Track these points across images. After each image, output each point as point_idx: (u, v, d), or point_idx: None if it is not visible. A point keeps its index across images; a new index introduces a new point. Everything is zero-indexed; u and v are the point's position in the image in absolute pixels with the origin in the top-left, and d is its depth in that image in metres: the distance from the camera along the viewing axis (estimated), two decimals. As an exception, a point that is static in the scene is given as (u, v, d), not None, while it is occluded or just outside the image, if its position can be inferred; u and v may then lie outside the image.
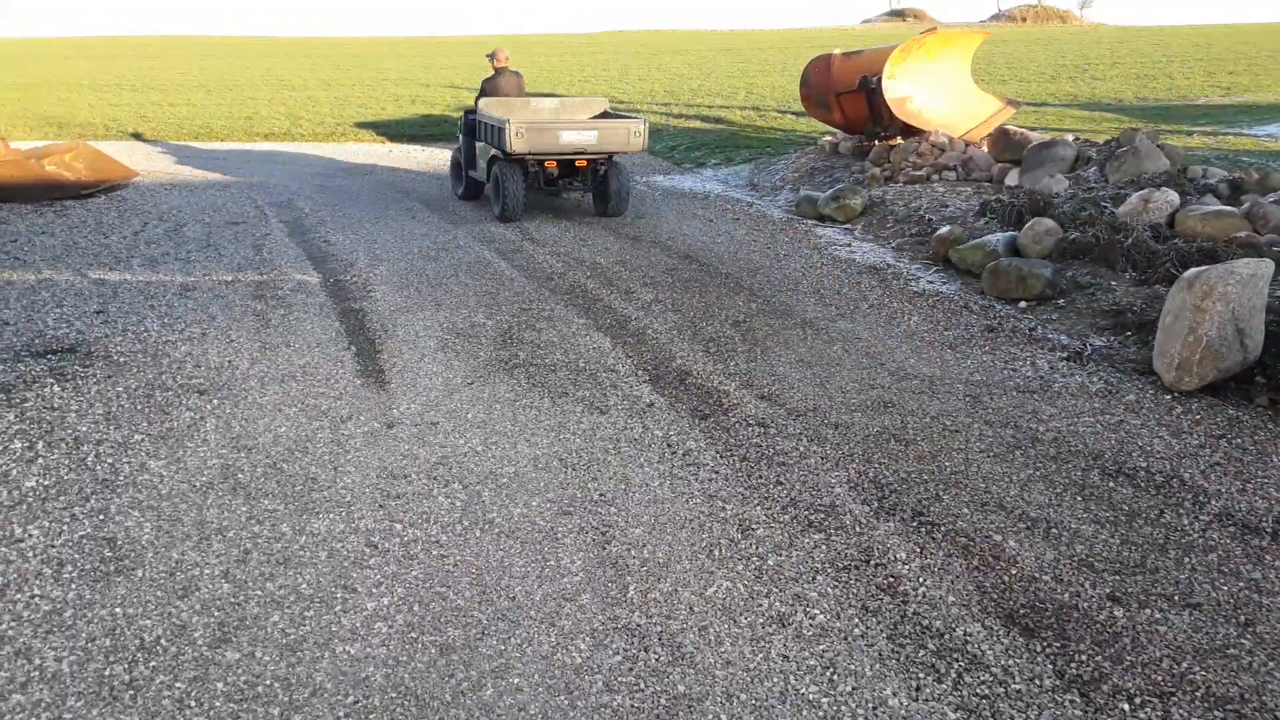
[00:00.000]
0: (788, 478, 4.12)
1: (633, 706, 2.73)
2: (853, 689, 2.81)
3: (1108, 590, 3.27)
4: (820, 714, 2.71)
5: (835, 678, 2.86)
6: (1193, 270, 5.24)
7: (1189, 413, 4.77)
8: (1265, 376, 4.97)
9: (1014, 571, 3.40)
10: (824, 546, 3.57)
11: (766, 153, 14.09)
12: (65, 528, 3.60)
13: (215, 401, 4.85)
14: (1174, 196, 7.48)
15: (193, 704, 2.71)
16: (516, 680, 2.83)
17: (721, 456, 4.32)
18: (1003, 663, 2.92)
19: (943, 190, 9.97)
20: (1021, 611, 3.17)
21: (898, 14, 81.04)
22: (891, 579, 3.36)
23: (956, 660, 2.93)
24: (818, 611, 3.17)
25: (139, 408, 4.74)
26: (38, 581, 3.26)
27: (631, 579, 3.35)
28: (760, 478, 4.12)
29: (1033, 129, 12.69)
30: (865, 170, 11.24)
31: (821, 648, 2.99)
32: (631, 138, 9.26)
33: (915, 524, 3.72)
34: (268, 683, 2.80)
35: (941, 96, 12.12)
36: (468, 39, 58.66)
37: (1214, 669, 2.87)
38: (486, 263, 7.86)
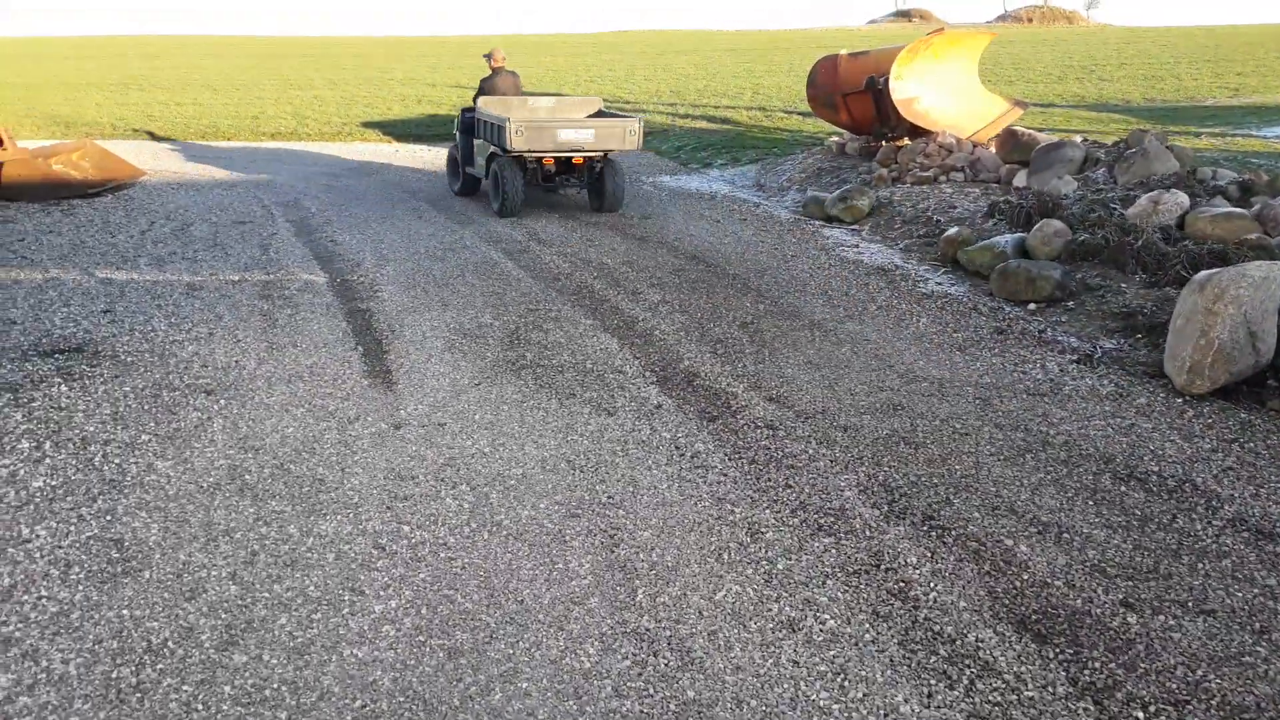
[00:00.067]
0: (797, 481, 4.09)
1: (642, 712, 2.71)
2: (864, 695, 2.79)
3: (1121, 596, 3.25)
4: (831, 720, 2.69)
5: (846, 684, 2.84)
6: (1204, 273, 5.21)
7: (1201, 416, 4.74)
8: (1278, 380, 4.94)
9: (1026, 577, 3.37)
10: (834, 550, 3.55)
11: (773, 153, 14.06)
12: (72, 528, 3.59)
13: (222, 402, 4.84)
14: (1184, 198, 7.44)
15: (200, 707, 2.70)
16: (525, 685, 2.81)
17: (730, 459, 4.30)
18: (1015, 669, 2.90)
19: (950, 191, 9.94)
20: (1034, 617, 3.14)
21: (904, 14, 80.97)
22: (902, 584, 3.34)
23: (969, 667, 2.91)
24: (828, 616, 3.15)
25: (146, 408, 4.74)
26: (45, 583, 3.25)
27: (640, 582, 3.33)
28: (769, 480, 4.09)
29: (1040, 130, 12.64)
30: (872, 171, 11.20)
31: (832, 653, 2.97)
32: (627, 136, 9.51)
33: (926, 528, 3.70)
34: (275, 686, 2.79)
35: (949, 97, 12.08)
36: (472, 39, 58.69)
37: (1229, 677, 2.84)
38: (493, 263, 7.85)
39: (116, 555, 3.43)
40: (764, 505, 3.88)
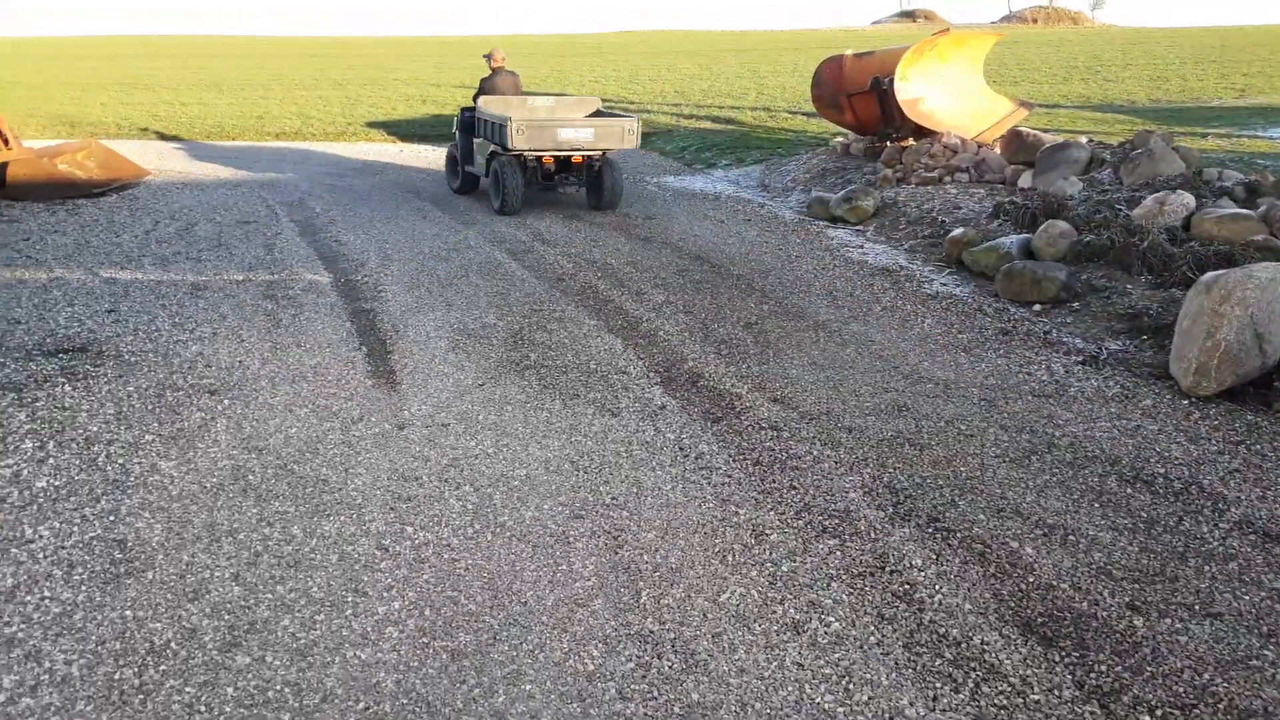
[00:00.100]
0: (801, 482, 4.08)
1: (646, 715, 2.70)
2: (869, 698, 2.77)
3: (1127, 599, 3.23)
4: (836, 724, 2.68)
5: (851, 686, 2.82)
6: (1210, 274, 5.19)
7: (1207, 418, 4.72)
8: (1284, 382, 4.91)
9: (1031, 579, 3.35)
10: (838, 552, 3.53)
11: (777, 154, 14.04)
12: (76, 529, 3.59)
13: (226, 402, 4.84)
14: (1189, 199, 7.42)
15: (202, 709, 2.69)
16: (529, 687, 2.80)
17: (734, 460, 4.29)
18: (1021, 673, 2.88)
19: (955, 192, 9.91)
20: (1039, 620, 3.13)
21: (908, 15, 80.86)
22: (907, 586, 3.32)
23: (974, 670, 2.89)
24: (833, 619, 3.14)
25: (150, 408, 4.73)
26: (48, 583, 3.24)
27: (644, 584, 3.32)
28: (773, 482, 4.08)
29: (1045, 131, 12.61)
30: (877, 172, 11.18)
31: (837, 656, 2.96)
32: (625, 135, 9.70)
33: (931, 530, 3.68)
34: (278, 688, 2.78)
35: (954, 98, 12.05)
36: (475, 39, 58.72)
37: (1237, 681, 2.83)
38: (497, 263, 7.84)
39: (119, 556, 3.42)
40: (768, 507, 3.87)
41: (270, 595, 3.22)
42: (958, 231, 8.06)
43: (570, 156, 9.88)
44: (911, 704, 2.75)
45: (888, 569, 3.43)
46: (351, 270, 7.58)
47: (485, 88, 10.64)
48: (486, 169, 10.22)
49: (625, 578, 3.36)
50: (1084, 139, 11.07)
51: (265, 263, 7.81)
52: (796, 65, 30.20)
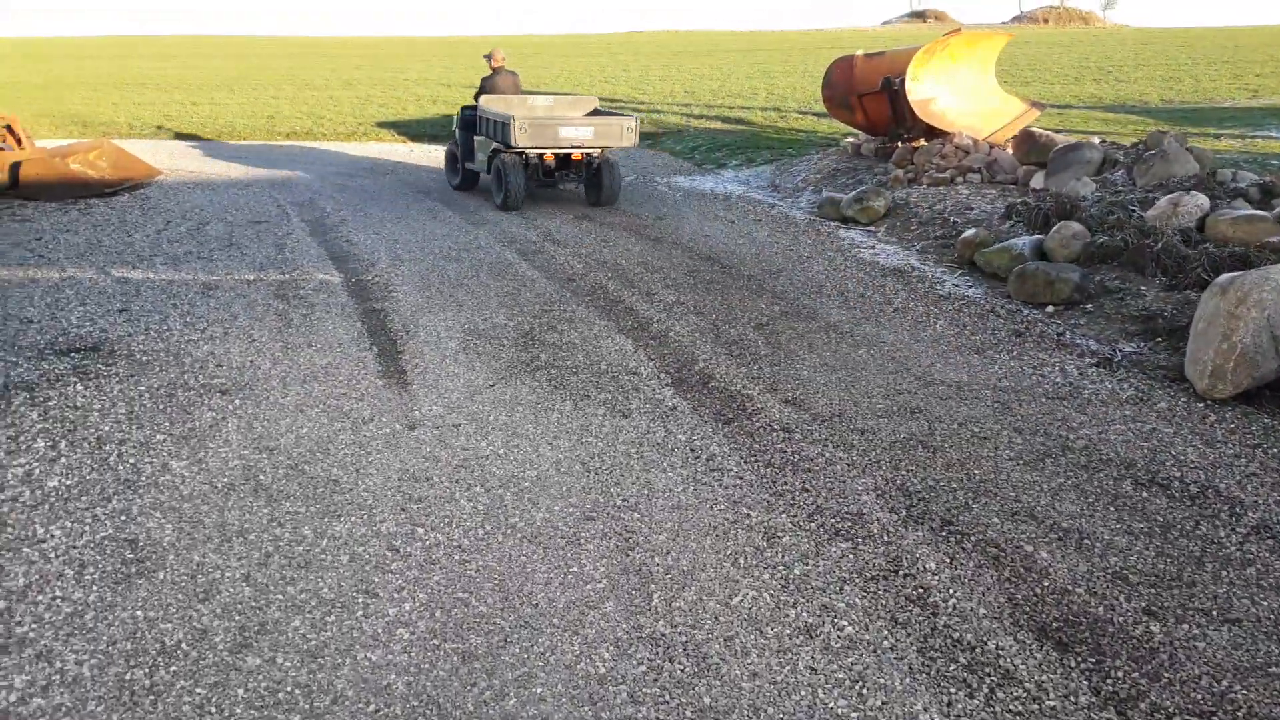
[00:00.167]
0: (813, 484, 4.06)
1: (658, 719, 2.68)
2: (882, 703, 2.75)
3: (1143, 604, 3.20)
4: (850, 729, 2.66)
5: (864, 691, 2.80)
6: (1226, 276, 5.15)
7: (1223, 421, 4.68)
8: (1301, 385, 4.87)
9: (1046, 584, 3.32)
10: (851, 555, 3.51)
11: (788, 154, 14.01)
12: (87, 529, 3.59)
13: (237, 402, 4.84)
14: (1204, 200, 7.36)
15: (213, 710, 2.68)
16: (540, 690, 2.79)
17: (745, 462, 4.27)
18: (1036, 678, 2.85)
19: (967, 193, 9.87)
20: (1055, 625, 3.10)
21: (919, 15, 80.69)
22: (921, 590, 3.30)
23: (989, 675, 2.87)
24: (846, 623, 3.12)
25: (161, 407, 4.74)
26: (59, 583, 3.24)
27: (655, 587, 3.30)
28: (785, 484, 4.06)
29: (1058, 131, 12.55)
30: (888, 172, 11.14)
31: (850, 660, 2.94)
32: (625, 133, 9.96)
33: (944, 533, 3.66)
34: (289, 689, 2.77)
35: (965, 98, 12.01)
36: (477, 39, 58.77)
37: (1256, 688, 2.79)
38: (508, 263, 7.83)
39: (131, 556, 3.42)
40: (780, 509, 3.84)
41: (281, 596, 3.21)
42: (970, 232, 8.03)
43: (570, 154, 10.08)
44: (925, 709, 2.73)
45: (901, 572, 3.40)
46: (362, 270, 7.59)
47: (486, 87, 10.82)
48: (488, 166, 10.39)
49: (637, 580, 3.34)
50: (1096, 139, 11.01)
51: (276, 262, 7.81)
52: (807, 65, 30.15)
